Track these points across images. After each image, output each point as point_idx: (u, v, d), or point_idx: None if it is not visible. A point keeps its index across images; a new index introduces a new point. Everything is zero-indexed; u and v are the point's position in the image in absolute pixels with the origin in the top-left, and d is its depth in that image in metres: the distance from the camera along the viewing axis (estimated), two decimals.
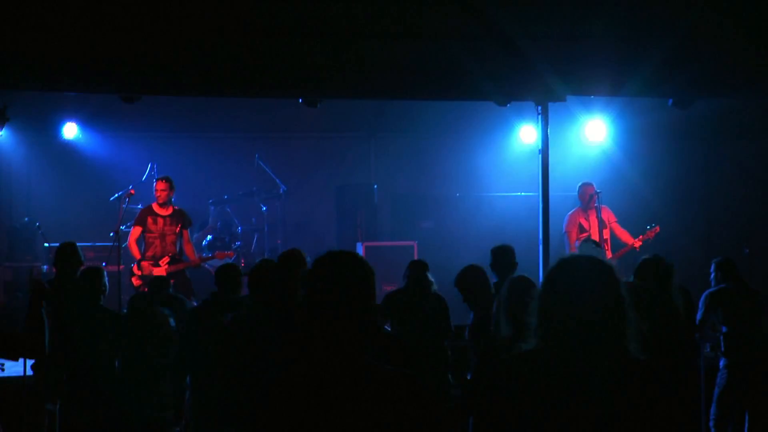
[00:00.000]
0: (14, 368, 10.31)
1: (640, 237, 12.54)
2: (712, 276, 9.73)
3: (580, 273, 3.25)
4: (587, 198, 12.75)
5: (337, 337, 3.12)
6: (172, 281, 11.35)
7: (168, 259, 11.89)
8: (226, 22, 10.27)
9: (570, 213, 12.95)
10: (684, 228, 15.34)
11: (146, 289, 10.65)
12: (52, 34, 10.06)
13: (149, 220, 12.08)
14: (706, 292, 9.58)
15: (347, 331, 3.12)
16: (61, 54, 10.14)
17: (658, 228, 12.55)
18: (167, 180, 12.19)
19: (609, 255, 12.44)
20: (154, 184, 12.30)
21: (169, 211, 12.16)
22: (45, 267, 13.33)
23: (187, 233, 12.29)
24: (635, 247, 12.47)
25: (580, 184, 13.06)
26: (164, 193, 12.13)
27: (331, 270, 3.19)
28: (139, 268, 11.99)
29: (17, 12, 9.98)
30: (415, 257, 12.73)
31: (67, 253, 9.30)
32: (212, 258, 12.56)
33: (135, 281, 11.92)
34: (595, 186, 12.86)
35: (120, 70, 10.42)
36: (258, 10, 10.25)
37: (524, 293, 5.66)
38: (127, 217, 12.68)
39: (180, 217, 12.20)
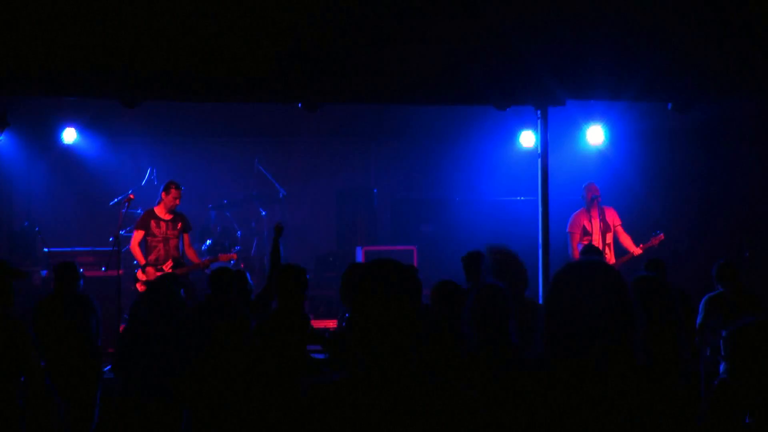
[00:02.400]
0: None
1: (641, 245, 12.48)
2: (713, 280, 9.72)
3: (587, 278, 3.23)
4: (588, 199, 12.72)
5: (386, 349, 3.11)
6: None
7: (172, 263, 11.86)
8: (225, 27, 10.28)
9: (575, 213, 12.89)
10: (683, 231, 15.33)
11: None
12: (52, 39, 10.07)
13: (152, 224, 12.04)
14: (706, 296, 9.58)
15: (396, 342, 3.11)
16: (61, 59, 10.16)
17: (662, 236, 12.47)
18: (180, 187, 12.17)
19: (612, 260, 12.42)
20: (165, 188, 12.14)
21: (171, 215, 12.14)
22: (44, 272, 13.32)
23: (188, 237, 12.27)
24: (635, 256, 12.43)
25: (585, 184, 13.01)
26: (179, 200, 12.11)
27: (383, 280, 3.18)
28: (144, 273, 11.95)
29: (17, 18, 9.99)
30: (415, 262, 12.73)
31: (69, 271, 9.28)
32: (216, 260, 12.52)
33: (140, 287, 11.86)
34: (596, 187, 12.81)
35: (119, 76, 10.44)
36: (258, 15, 10.26)
37: (492, 302, 5.62)
38: (126, 221, 12.67)
39: (181, 221, 12.18)
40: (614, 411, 3.09)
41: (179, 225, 12.13)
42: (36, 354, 6.66)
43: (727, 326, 4.17)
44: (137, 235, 12.11)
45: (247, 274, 9.25)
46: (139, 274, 11.97)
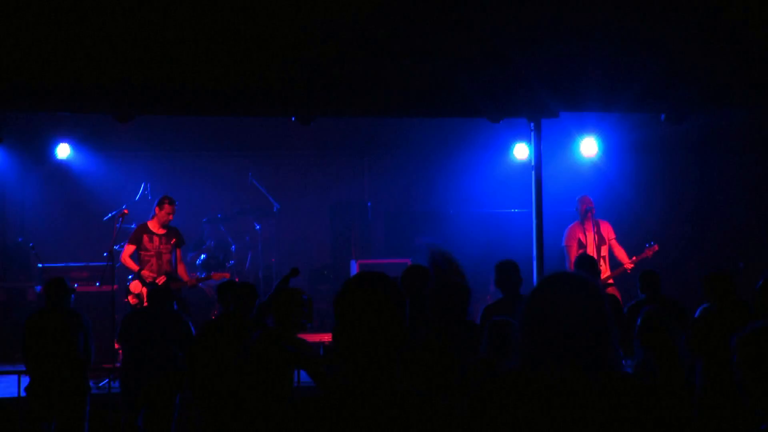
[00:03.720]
0: (9, 389, 10.31)
1: (634, 258, 12.45)
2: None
3: (563, 289, 3.23)
4: (582, 212, 12.72)
5: (369, 362, 3.09)
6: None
7: (165, 279, 11.84)
8: (219, 42, 10.30)
9: (569, 227, 12.89)
10: (678, 243, 15.34)
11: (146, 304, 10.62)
12: (45, 54, 10.08)
13: (145, 238, 12.03)
14: (701, 308, 9.56)
15: (379, 355, 3.10)
16: (54, 74, 10.16)
17: (656, 247, 12.42)
18: (174, 202, 12.17)
19: (607, 272, 12.41)
20: (159, 203, 12.14)
21: (164, 230, 12.13)
22: (38, 288, 13.29)
23: (180, 252, 12.26)
24: (627, 269, 12.40)
25: (579, 197, 13.01)
26: (173, 215, 12.13)
27: (363, 293, 3.16)
28: (138, 278, 11.90)
29: (10, 32, 10.00)
30: None
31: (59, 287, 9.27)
32: (208, 278, 12.52)
33: (131, 299, 11.85)
34: (590, 200, 12.82)
35: (113, 90, 10.44)
36: (250, 28, 10.27)
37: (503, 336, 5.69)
38: (120, 236, 12.64)
39: (175, 236, 12.17)
40: (592, 421, 3.08)
41: (173, 240, 12.12)
42: None
43: (736, 332, 4.16)
44: (128, 249, 12.09)
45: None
46: (132, 287, 11.94)
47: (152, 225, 12.12)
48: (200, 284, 12.86)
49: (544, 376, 3.14)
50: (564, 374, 3.12)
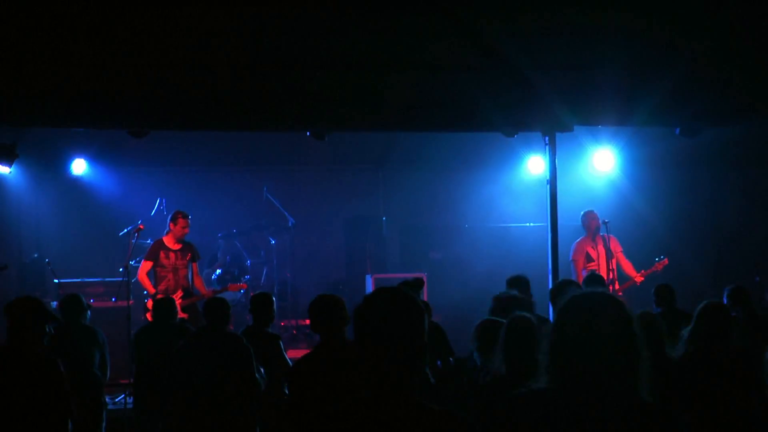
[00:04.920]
0: None
1: (643, 271, 12.45)
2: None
3: (592, 311, 3.19)
4: (593, 228, 12.72)
5: (387, 376, 3.09)
6: (186, 316, 11.41)
7: (182, 293, 11.85)
8: (233, 57, 10.32)
9: (577, 241, 12.91)
10: (693, 257, 15.29)
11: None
12: (60, 70, 10.11)
13: (161, 254, 12.05)
14: None
15: (397, 370, 3.10)
16: (69, 90, 10.19)
17: (666, 260, 12.45)
18: (187, 215, 12.19)
19: (616, 285, 12.40)
20: (173, 218, 12.15)
21: (180, 245, 12.15)
22: (54, 303, 13.32)
23: (196, 266, 12.28)
24: (636, 282, 12.41)
25: (583, 212, 13.02)
26: (188, 228, 12.15)
27: (383, 308, 3.16)
28: (153, 298, 11.93)
29: (25, 50, 10.04)
30: (425, 289, 12.71)
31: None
32: (225, 290, 12.53)
33: (149, 317, 11.85)
34: (598, 215, 12.82)
35: (128, 106, 10.47)
36: (265, 44, 10.29)
37: (523, 334, 5.67)
38: (136, 252, 12.67)
39: (190, 251, 12.20)
40: None
41: (188, 255, 12.14)
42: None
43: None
44: (145, 265, 12.11)
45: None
46: (150, 304, 11.95)
47: (167, 241, 12.14)
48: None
49: (571, 398, 3.11)
50: (590, 396, 3.09)
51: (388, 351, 3.08)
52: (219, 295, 12.81)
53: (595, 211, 12.92)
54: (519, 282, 9.31)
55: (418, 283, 9.55)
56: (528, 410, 3.17)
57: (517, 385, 3.30)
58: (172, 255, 12.08)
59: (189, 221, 12.16)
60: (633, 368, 3.13)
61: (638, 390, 3.12)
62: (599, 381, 3.09)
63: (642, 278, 12.37)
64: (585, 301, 3.23)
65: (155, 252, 12.08)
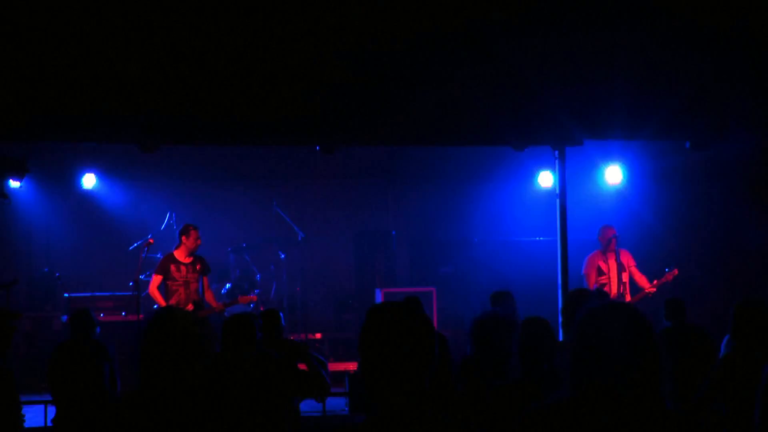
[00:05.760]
0: (35, 419, 10.33)
1: (655, 282, 12.45)
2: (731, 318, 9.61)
3: (613, 321, 3.19)
4: (606, 241, 12.72)
5: (400, 390, 3.09)
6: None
7: (192, 307, 11.86)
8: (243, 71, 10.35)
9: (589, 255, 12.91)
10: (704, 271, 15.25)
11: None
12: (70, 85, 10.15)
13: (172, 268, 12.05)
14: (728, 335, 9.48)
15: (410, 383, 3.10)
16: (79, 105, 10.23)
17: (676, 271, 12.46)
18: (198, 227, 12.20)
19: (628, 298, 12.39)
20: (184, 232, 12.15)
21: (190, 258, 12.16)
22: (64, 317, 13.34)
23: (206, 280, 12.28)
24: (648, 294, 12.40)
25: (600, 226, 13.02)
26: (200, 240, 12.15)
27: (393, 323, 3.16)
28: None
29: (35, 64, 10.09)
30: (434, 303, 12.71)
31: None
32: (235, 303, 12.51)
33: None
34: (614, 229, 12.82)
35: (138, 120, 10.51)
36: (275, 58, 10.32)
37: (540, 338, 5.63)
38: (146, 266, 12.68)
39: (200, 264, 12.20)
40: None
41: (198, 268, 12.15)
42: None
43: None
44: (156, 280, 12.11)
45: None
46: None
47: (178, 254, 12.15)
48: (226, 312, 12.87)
49: (596, 408, 3.11)
50: (616, 407, 3.09)
51: (399, 365, 3.08)
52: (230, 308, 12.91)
53: (611, 225, 12.90)
54: (502, 298, 9.32)
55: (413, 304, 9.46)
56: (555, 421, 3.16)
57: (535, 392, 3.28)
58: (183, 268, 12.08)
59: (199, 233, 12.17)
60: (655, 377, 3.12)
61: (662, 399, 3.12)
62: (623, 391, 3.09)
63: (654, 289, 12.37)
64: (605, 312, 3.23)
65: (166, 266, 12.09)
